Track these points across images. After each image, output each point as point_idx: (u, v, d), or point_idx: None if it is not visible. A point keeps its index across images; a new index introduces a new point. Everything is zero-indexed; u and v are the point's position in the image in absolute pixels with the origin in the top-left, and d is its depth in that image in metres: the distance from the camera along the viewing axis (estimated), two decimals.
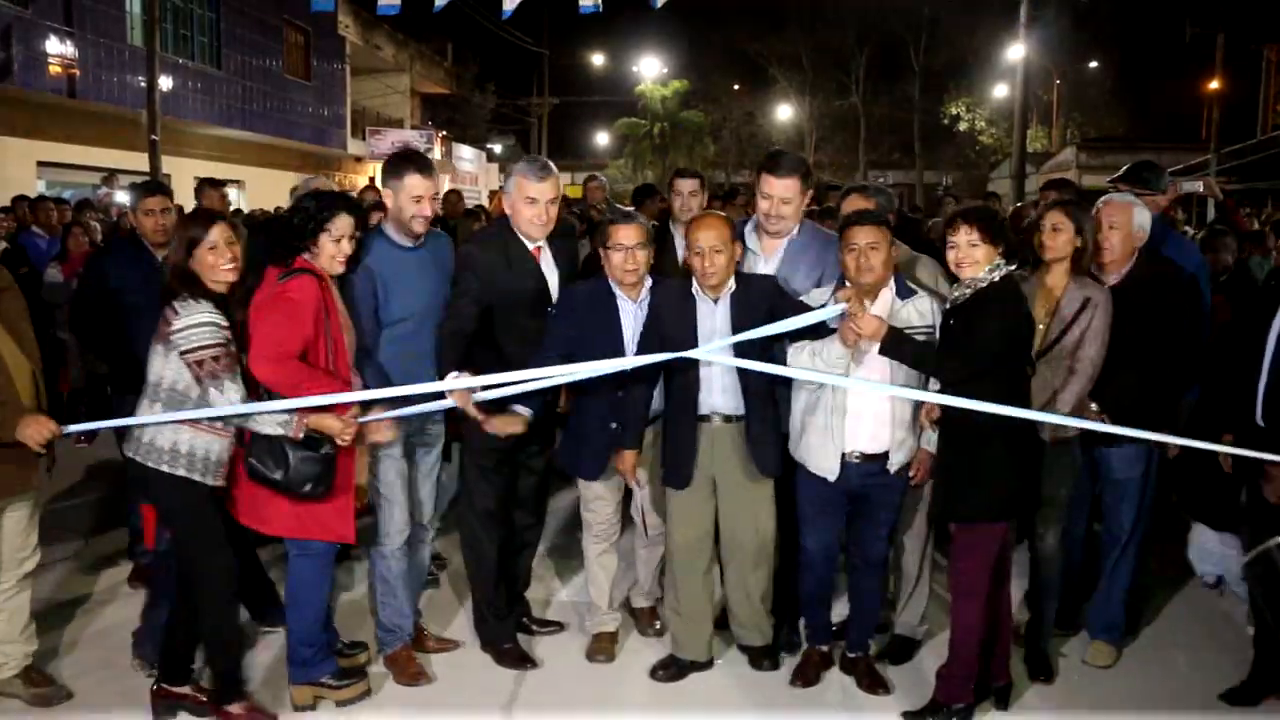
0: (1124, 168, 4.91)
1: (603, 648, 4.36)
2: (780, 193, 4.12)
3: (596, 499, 4.31)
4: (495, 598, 4.31)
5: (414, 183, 3.93)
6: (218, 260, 3.50)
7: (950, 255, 3.70)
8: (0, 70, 15.53)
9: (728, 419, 4.03)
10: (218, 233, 3.51)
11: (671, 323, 3.97)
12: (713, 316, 3.96)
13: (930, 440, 3.89)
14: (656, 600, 4.57)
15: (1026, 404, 3.69)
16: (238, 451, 3.64)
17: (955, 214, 3.78)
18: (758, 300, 3.95)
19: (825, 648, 4.23)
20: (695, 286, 3.98)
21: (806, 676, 4.14)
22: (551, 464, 4.46)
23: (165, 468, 3.52)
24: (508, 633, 4.32)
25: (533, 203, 4.03)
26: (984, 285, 3.64)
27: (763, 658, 4.24)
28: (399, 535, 4.05)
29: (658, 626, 4.50)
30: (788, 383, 4.02)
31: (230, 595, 3.73)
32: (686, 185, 5.49)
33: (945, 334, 3.77)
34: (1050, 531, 4.11)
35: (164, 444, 3.52)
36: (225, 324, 3.50)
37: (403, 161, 4.01)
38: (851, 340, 3.67)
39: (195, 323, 3.43)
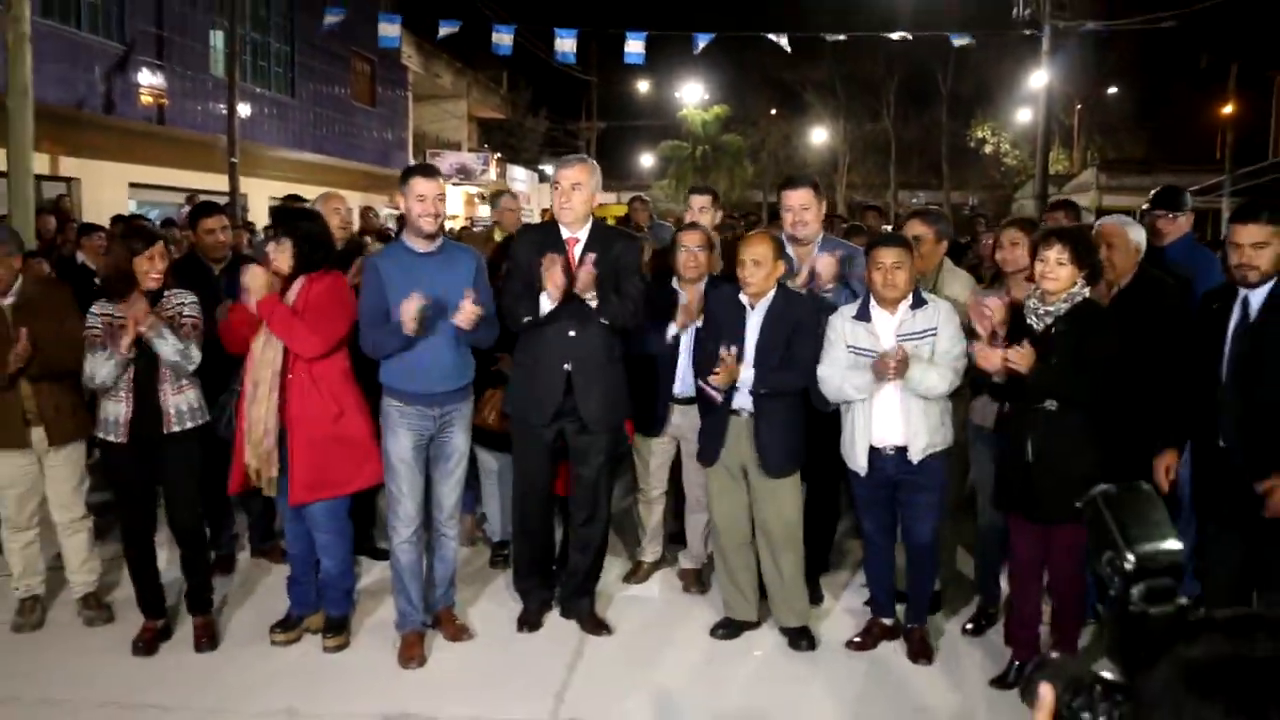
0: (1153, 193, 4.98)
1: (635, 575, 5.16)
2: (798, 202, 4.58)
3: (648, 455, 4.99)
4: (531, 550, 4.58)
5: (417, 183, 4.15)
6: (149, 269, 4.20)
7: (1036, 269, 3.78)
8: (105, 104, 16.56)
9: (752, 415, 4.33)
10: (154, 249, 4.22)
11: (722, 318, 4.37)
12: (747, 319, 4.31)
13: (916, 369, 3.98)
14: (703, 564, 5.03)
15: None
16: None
17: (1049, 231, 3.84)
18: (788, 315, 4.25)
19: (889, 621, 4.41)
20: (742, 292, 4.33)
21: (865, 642, 4.39)
22: (613, 470, 4.62)
23: (96, 432, 4.33)
24: (537, 585, 4.60)
25: (555, 186, 4.26)
26: (1080, 302, 3.71)
27: (800, 638, 4.38)
28: (404, 529, 4.26)
29: (693, 593, 4.96)
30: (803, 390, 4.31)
31: (134, 535, 4.39)
32: (698, 201, 5.67)
33: (1045, 341, 3.72)
34: None
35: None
36: (108, 313, 4.21)
37: (409, 170, 4.31)
38: (891, 374, 3.98)
39: (91, 310, 4.29)
